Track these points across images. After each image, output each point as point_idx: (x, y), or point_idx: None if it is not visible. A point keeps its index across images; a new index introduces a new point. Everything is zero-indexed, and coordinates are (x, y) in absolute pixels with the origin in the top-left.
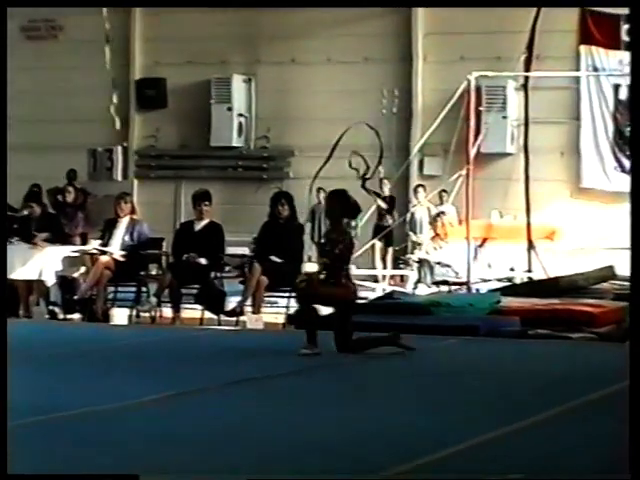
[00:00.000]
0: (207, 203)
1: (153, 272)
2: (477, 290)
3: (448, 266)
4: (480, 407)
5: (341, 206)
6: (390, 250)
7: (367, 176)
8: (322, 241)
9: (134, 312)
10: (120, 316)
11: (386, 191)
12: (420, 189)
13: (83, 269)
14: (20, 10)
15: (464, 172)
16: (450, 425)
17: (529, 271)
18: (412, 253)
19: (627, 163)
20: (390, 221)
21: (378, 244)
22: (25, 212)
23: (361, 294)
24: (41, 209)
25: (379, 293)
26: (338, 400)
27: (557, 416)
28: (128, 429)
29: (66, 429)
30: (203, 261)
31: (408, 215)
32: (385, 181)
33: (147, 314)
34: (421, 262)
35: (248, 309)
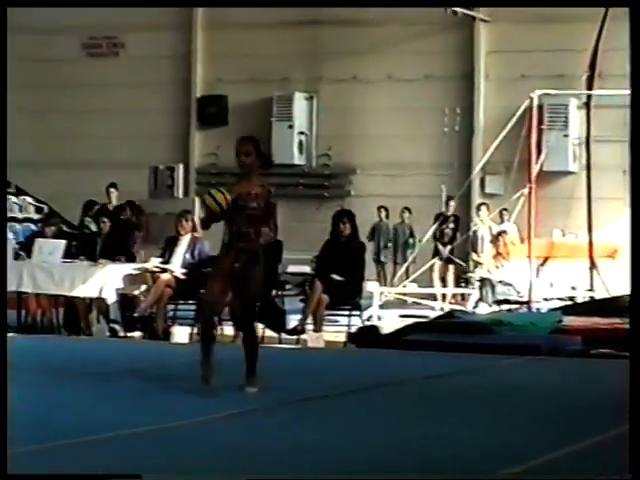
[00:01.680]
0: None
1: None
2: (538, 309)
3: (510, 285)
4: (547, 424)
5: None
6: (451, 268)
7: None
8: None
9: (194, 330)
10: (180, 334)
11: (451, 210)
12: (483, 207)
13: (144, 287)
14: (81, 27)
15: (526, 190)
16: (525, 440)
17: (591, 290)
18: (473, 272)
19: None
20: (449, 239)
21: (438, 263)
22: (93, 228)
23: (421, 313)
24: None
25: (438, 312)
26: (420, 416)
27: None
28: (193, 447)
29: (130, 447)
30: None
31: (470, 233)
32: (451, 202)
33: None
34: (483, 281)
35: (309, 327)
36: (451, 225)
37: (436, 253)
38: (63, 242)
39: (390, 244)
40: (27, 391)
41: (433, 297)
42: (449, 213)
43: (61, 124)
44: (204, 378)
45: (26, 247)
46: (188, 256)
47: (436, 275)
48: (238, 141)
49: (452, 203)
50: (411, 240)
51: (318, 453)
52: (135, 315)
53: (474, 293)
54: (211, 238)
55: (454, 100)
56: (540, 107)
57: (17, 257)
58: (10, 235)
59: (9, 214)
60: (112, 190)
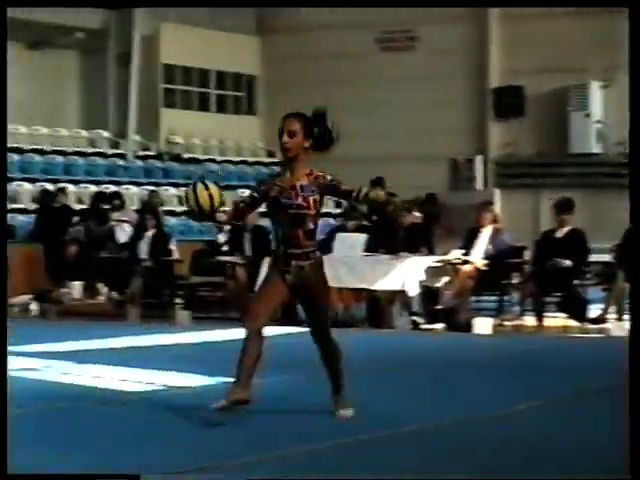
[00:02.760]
0: (569, 211)
1: (515, 281)
2: None
3: None
4: None
5: None
6: None
7: None
8: None
9: (497, 321)
10: (483, 325)
11: None
12: None
13: (446, 279)
14: (375, 22)
15: None
16: None
17: None
18: None
19: None
20: None
21: None
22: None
23: None
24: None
25: None
26: None
27: None
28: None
29: (442, 436)
30: (568, 263)
31: None
32: None
33: (510, 323)
34: None
35: (612, 317)
36: None
37: None
38: (364, 236)
39: None
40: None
41: None
42: None
43: (355, 119)
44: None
45: (327, 242)
46: (489, 247)
47: None
48: (282, 118)
49: None
50: None
51: None
52: (437, 307)
53: None
54: (510, 229)
55: None
56: None
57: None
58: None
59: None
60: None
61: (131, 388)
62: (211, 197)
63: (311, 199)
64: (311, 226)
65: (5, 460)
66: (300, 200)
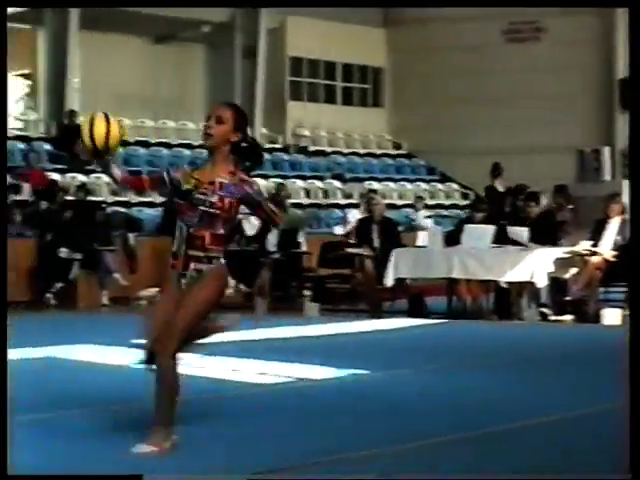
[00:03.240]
0: None
1: None
2: None
3: None
4: None
5: None
6: None
7: None
8: None
9: (626, 312)
10: (612, 316)
11: None
12: None
13: (574, 270)
14: (501, 13)
15: None
16: None
17: None
18: None
19: None
20: None
21: None
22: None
23: None
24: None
25: None
26: None
27: None
28: None
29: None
30: None
31: None
32: None
33: None
34: None
35: None
36: None
37: None
38: (492, 227)
39: None
40: (460, 377)
41: None
42: None
43: (480, 110)
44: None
45: (455, 233)
46: (618, 238)
47: None
48: (212, 105)
49: None
50: None
51: None
52: (566, 299)
53: None
54: None
55: None
56: None
57: (448, 243)
58: (430, 223)
59: (435, 201)
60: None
61: (260, 380)
62: (108, 133)
63: (227, 200)
64: (221, 230)
65: (5, 460)
66: (216, 198)
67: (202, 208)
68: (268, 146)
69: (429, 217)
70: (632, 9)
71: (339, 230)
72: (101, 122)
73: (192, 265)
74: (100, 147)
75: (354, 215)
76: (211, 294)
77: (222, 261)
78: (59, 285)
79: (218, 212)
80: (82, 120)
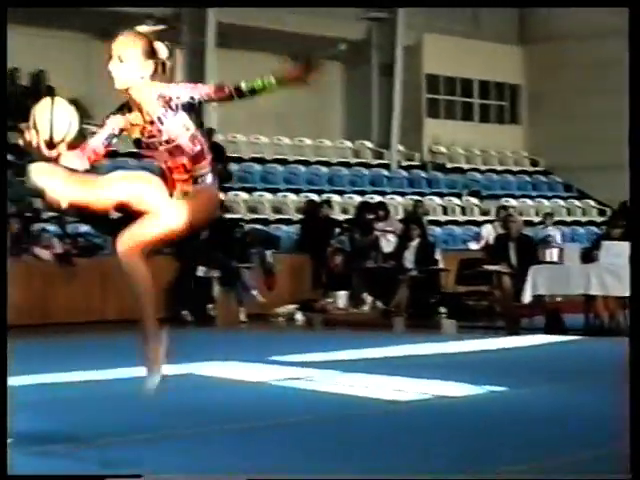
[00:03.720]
0: None
1: None
2: None
3: None
4: None
5: None
6: None
7: None
8: None
9: None
10: None
11: None
12: None
13: None
14: None
15: None
16: None
17: None
18: None
19: None
20: None
21: None
22: None
23: None
24: None
25: None
26: None
27: None
28: None
29: None
30: None
31: None
32: None
33: None
34: None
35: None
36: None
37: None
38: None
39: None
40: (599, 394)
41: None
42: None
43: (617, 126)
44: None
45: (592, 250)
46: None
47: None
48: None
49: None
50: None
51: None
52: None
53: None
54: None
55: None
56: None
57: (584, 260)
58: (558, 239)
59: (572, 217)
60: None
61: (398, 397)
62: (69, 124)
63: (176, 127)
64: (195, 148)
65: (5, 460)
66: (166, 136)
67: (162, 148)
68: (405, 163)
69: (557, 233)
70: (632, 9)
71: (474, 246)
72: (63, 108)
73: (179, 187)
74: (56, 141)
75: (488, 231)
76: (193, 211)
77: (209, 179)
78: (197, 303)
79: (178, 143)
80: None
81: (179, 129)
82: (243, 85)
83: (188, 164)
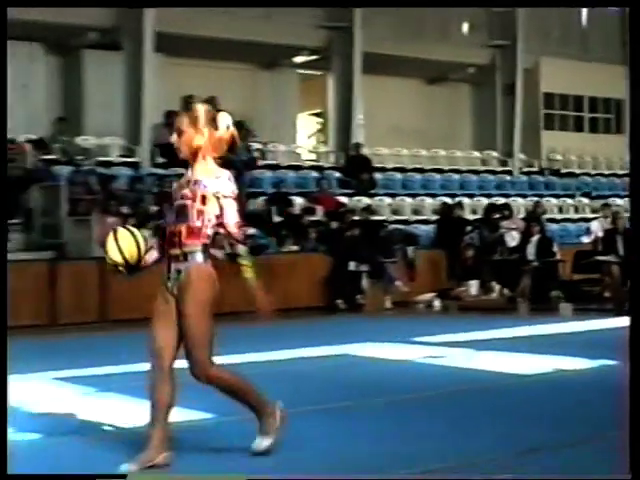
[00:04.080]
0: None
1: None
2: None
3: None
4: None
5: None
6: None
7: None
8: None
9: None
10: None
11: None
12: None
13: None
14: None
15: None
16: None
17: None
18: None
19: None
20: None
21: None
22: None
23: None
24: None
25: None
26: None
27: None
28: None
29: None
30: None
31: None
32: None
33: None
34: None
35: None
36: None
37: None
38: None
39: None
40: None
41: None
42: None
43: None
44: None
45: None
46: None
47: None
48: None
49: None
50: None
51: None
52: None
53: None
54: None
55: None
56: None
57: None
58: None
59: None
60: None
61: (523, 371)
62: (138, 246)
63: (199, 192)
64: (197, 223)
65: (5, 460)
66: (187, 191)
67: (176, 203)
68: (526, 170)
69: None
70: (632, 9)
71: (586, 239)
72: (128, 238)
73: (173, 265)
74: (132, 261)
75: (596, 226)
76: (199, 296)
77: (200, 257)
78: (349, 293)
79: (188, 202)
80: (108, 239)
81: (197, 195)
82: (241, 256)
83: (185, 235)
